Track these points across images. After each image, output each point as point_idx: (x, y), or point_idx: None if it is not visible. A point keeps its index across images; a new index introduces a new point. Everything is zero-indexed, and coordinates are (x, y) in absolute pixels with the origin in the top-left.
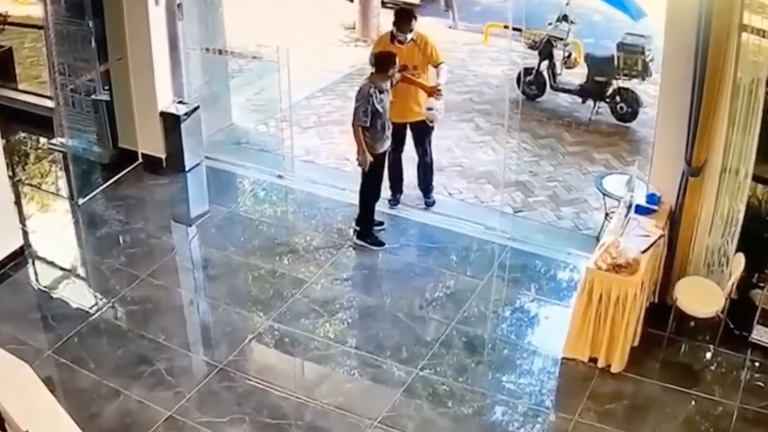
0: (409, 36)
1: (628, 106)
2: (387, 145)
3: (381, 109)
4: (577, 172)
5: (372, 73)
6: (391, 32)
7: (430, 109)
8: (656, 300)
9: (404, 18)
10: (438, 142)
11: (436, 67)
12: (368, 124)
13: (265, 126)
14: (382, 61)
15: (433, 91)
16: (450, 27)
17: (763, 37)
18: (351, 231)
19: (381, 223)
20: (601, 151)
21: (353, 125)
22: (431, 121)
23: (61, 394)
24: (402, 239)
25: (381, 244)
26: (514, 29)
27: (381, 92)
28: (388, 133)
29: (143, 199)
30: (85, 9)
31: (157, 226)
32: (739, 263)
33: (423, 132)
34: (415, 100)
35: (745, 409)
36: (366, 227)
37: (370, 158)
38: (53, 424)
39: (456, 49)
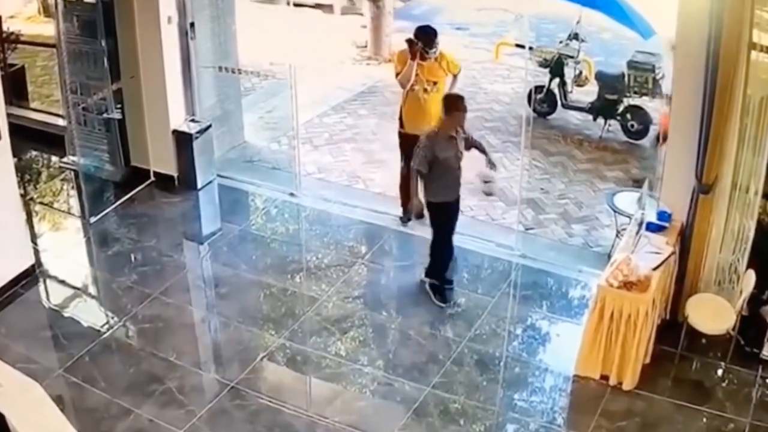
0: (436, 52)
1: (638, 124)
2: (447, 197)
3: (444, 159)
4: (588, 190)
5: (440, 117)
6: (411, 48)
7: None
8: (667, 317)
9: (431, 35)
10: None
11: (454, 76)
12: (426, 171)
13: (277, 144)
14: (449, 104)
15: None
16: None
17: None
18: (423, 272)
19: (450, 282)
20: (611, 168)
21: (412, 171)
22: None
23: (72, 413)
24: (414, 257)
25: (445, 301)
26: (528, 47)
27: (446, 139)
28: (454, 186)
29: (155, 217)
30: (98, 28)
31: (169, 244)
32: (749, 280)
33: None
34: (429, 112)
35: (757, 426)
36: (436, 277)
37: (419, 204)
38: None
39: (467, 66)
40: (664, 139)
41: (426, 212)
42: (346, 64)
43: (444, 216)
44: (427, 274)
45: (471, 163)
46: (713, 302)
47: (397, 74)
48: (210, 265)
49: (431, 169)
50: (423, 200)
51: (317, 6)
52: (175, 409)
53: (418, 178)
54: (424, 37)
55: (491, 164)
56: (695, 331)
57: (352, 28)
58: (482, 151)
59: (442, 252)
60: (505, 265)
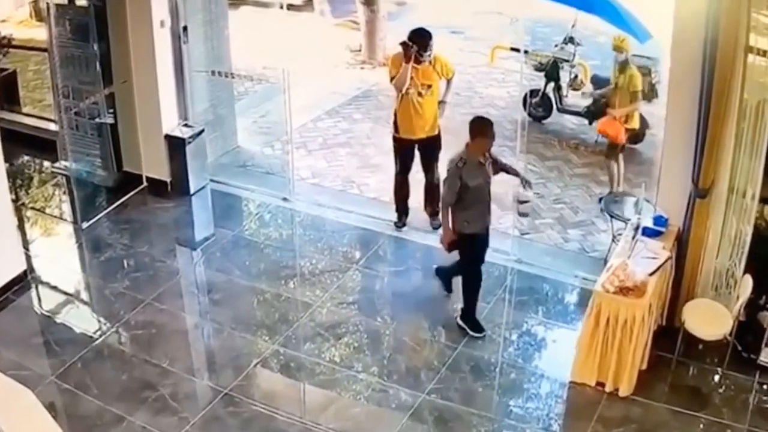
0: (431, 55)
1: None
2: (479, 228)
3: (474, 187)
4: (584, 194)
5: (467, 143)
6: (405, 52)
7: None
8: (664, 323)
9: (425, 38)
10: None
11: (448, 80)
12: (454, 201)
13: (270, 149)
14: (475, 129)
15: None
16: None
17: None
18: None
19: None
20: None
21: (441, 201)
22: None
23: (64, 420)
24: (409, 262)
25: (481, 330)
26: (521, 51)
27: (475, 166)
28: (485, 216)
29: (148, 222)
30: (90, 32)
31: (162, 249)
32: (746, 285)
33: (431, 152)
34: (423, 116)
35: None
36: (470, 312)
37: (452, 237)
38: None
39: (462, 70)
40: (613, 150)
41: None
42: (340, 68)
43: (475, 248)
44: (463, 316)
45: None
46: (710, 308)
47: (392, 78)
48: (203, 270)
49: (460, 198)
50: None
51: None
52: (168, 416)
53: (449, 210)
54: (419, 40)
55: (526, 184)
56: (692, 337)
57: (346, 30)
58: (513, 173)
59: (474, 282)
60: (500, 271)
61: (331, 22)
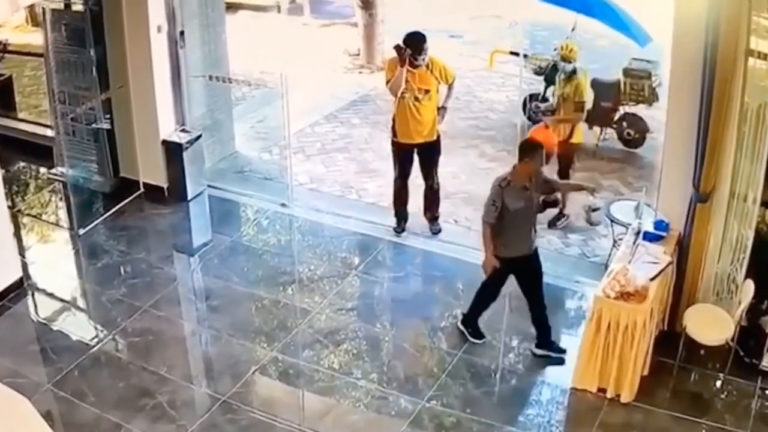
0: (425, 59)
1: (635, 132)
2: (516, 251)
3: (515, 210)
4: (584, 199)
5: (514, 165)
6: (399, 55)
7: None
8: (665, 328)
9: (419, 41)
10: (443, 169)
11: (449, 85)
12: (494, 221)
13: (268, 154)
14: (524, 151)
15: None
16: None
17: None
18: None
19: (560, 350)
20: (608, 177)
21: (482, 219)
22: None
23: (61, 428)
24: (408, 268)
25: (481, 336)
26: (522, 55)
27: (518, 190)
28: (526, 239)
29: (145, 228)
30: (86, 37)
31: (159, 256)
32: (748, 290)
33: (430, 157)
34: (421, 121)
35: None
36: (472, 319)
37: (495, 263)
38: None
39: (461, 75)
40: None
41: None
42: (338, 73)
43: (506, 272)
44: (465, 321)
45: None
46: (712, 313)
47: (387, 82)
48: (201, 277)
49: (499, 220)
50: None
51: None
52: (166, 424)
53: (489, 230)
54: (412, 43)
55: (592, 191)
56: (694, 342)
57: (344, 34)
58: (575, 188)
59: (484, 301)
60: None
61: (312, 24)
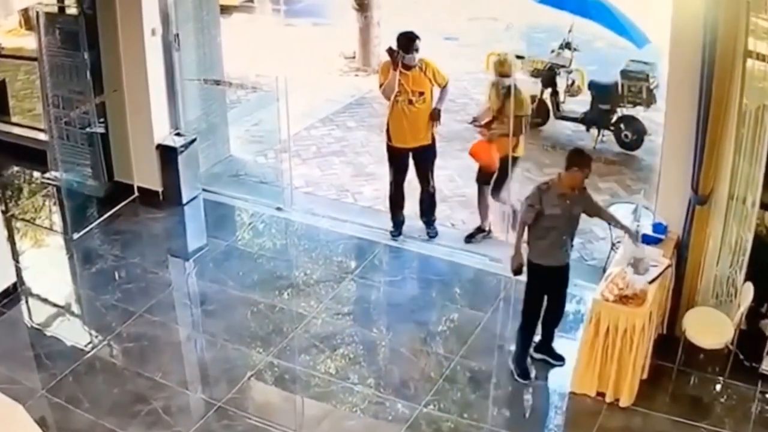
0: (417, 58)
1: (632, 134)
2: (549, 261)
3: (550, 216)
4: None
5: (560, 172)
6: (393, 59)
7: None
8: (664, 331)
9: (409, 39)
10: (440, 172)
11: (442, 88)
12: (530, 222)
13: (264, 157)
14: (570, 159)
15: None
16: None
17: None
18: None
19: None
20: (606, 179)
21: (518, 220)
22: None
23: None
24: (404, 272)
25: (527, 377)
26: (517, 57)
27: (557, 195)
28: (557, 251)
29: (139, 233)
30: (80, 40)
31: (154, 260)
32: (747, 293)
33: (426, 159)
34: (416, 124)
35: None
36: (521, 354)
37: (521, 261)
38: None
39: (457, 77)
40: (485, 177)
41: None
42: (334, 76)
43: (539, 281)
44: (541, 348)
45: None
46: (711, 316)
47: (381, 85)
48: (196, 281)
49: (535, 224)
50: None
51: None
52: (161, 430)
53: (523, 230)
54: (403, 40)
55: (634, 237)
56: (693, 346)
57: (340, 37)
58: (616, 224)
59: (550, 322)
60: (497, 280)
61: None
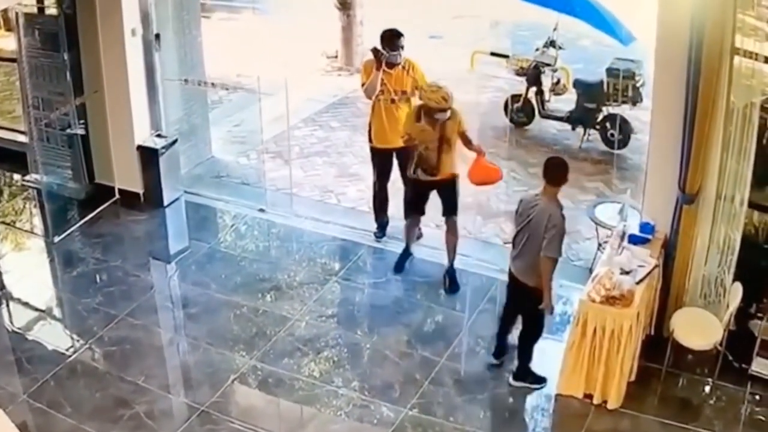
0: (401, 56)
1: (618, 133)
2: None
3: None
4: (567, 201)
5: (546, 187)
6: (376, 57)
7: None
8: (652, 332)
9: (393, 37)
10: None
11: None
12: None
13: (246, 158)
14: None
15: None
16: None
17: (756, 59)
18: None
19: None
20: (592, 179)
21: (545, 256)
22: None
23: None
24: (389, 273)
25: (542, 380)
26: (501, 55)
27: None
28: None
29: (120, 235)
30: (60, 41)
31: (135, 263)
32: (736, 293)
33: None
34: (398, 124)
35: None
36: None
37: (550, 301)
38: None
39: (442, 76)
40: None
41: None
42: (316, 76)
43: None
44: (517, 374)
45: None
46: (699, 316)
47: (362, 84)
48: (178, 284)
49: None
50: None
51: None
52: None
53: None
54: (387, 36)
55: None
56: (681, 347)
57: (322, 37)
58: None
59: (529, 341)
60: (483, 280)
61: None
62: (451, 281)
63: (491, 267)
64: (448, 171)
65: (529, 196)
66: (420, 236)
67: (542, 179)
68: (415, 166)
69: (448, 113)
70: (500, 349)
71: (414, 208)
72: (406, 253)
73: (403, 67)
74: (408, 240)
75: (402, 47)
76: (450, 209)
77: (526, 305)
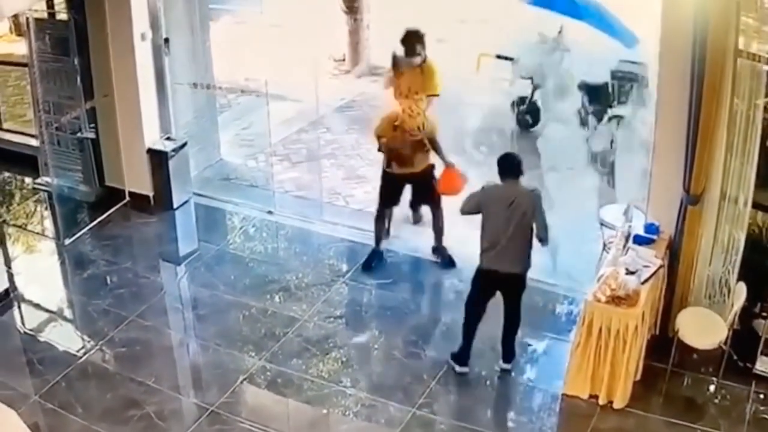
0: (419, 60)
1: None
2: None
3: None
4: (574, 202)
5: (509, 180)
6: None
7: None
8: (657, 332)
9: (408, 37)
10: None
11: (428, 96)
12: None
13: (254, 161)
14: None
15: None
16: None
17: (759, 62)
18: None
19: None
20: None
21: (542, 240)
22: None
23: None
24: (396, 274)
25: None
26: (507, 58)
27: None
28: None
29: (131, 238)
30: (70, 46)
31: (145, 265)
32: (740, 293)
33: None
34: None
35: None
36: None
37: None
38: None
39: (448, 79)
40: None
41: None
42: (324, 79)
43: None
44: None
45: None
46: (704, 316)
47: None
48: (187, 286)
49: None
50: None
51: None
52: None
53: None
54: (406, 39)
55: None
56: (686, 346)
57: (330, 40)
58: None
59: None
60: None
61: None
62: (442, 256)
63: None
64: (424, 163)
65: (494, 187)
66: (420, 219)
67: (502, 176)
68: (389, 160)
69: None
70: (468, 353)
71: (388, 200)
72: (377, 252)
73: (420, 67)
74: (378, 236)
75: (419, 48)
76: (428, 199)
77: (516, 295)
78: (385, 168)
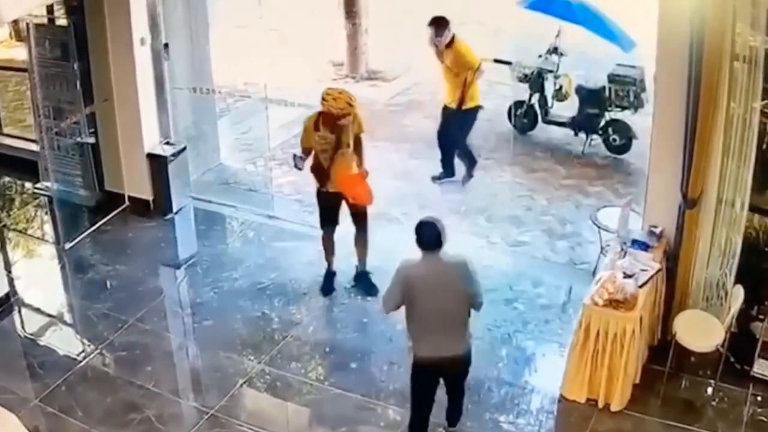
0: (444, 41)
1: (621, 138)
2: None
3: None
4: (571, 206)
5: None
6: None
7: None
8: (659, 336)
9: (433, 24)
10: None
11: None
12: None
13: (253, 165)
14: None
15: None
16: None
17: (756, 65)
18: None
19: None
20: (594, 183)
21: (480, 304)
22: None
23: None
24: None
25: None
26: (504, 62)
27: None
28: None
29: (130, 242)
30: (70, 51)
31: (145, 269)
32: (738, 295)
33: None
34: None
35: None
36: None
37: None
38: None
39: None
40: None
41: None
42: (324, 83)
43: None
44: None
45: None
46: (702, 319)
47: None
48: (187, 290)
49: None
50: None
51: None
52: None
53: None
54: (434, 23)
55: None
56: (684, 349)
57: (329, 45)
58: None
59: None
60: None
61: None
62: (366, 281)
63: (495, 270)
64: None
65: (414, 266)
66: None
67: (423, 248)
68: (321, 178)
69: (351, 117)
70: None
71: (327, 220)
72: (330, 273)
73: (450, 48)
74: (328, 259)
75: (443, 33)
76: (356, 218)
77: (460, 378)
78: (319, 188)
